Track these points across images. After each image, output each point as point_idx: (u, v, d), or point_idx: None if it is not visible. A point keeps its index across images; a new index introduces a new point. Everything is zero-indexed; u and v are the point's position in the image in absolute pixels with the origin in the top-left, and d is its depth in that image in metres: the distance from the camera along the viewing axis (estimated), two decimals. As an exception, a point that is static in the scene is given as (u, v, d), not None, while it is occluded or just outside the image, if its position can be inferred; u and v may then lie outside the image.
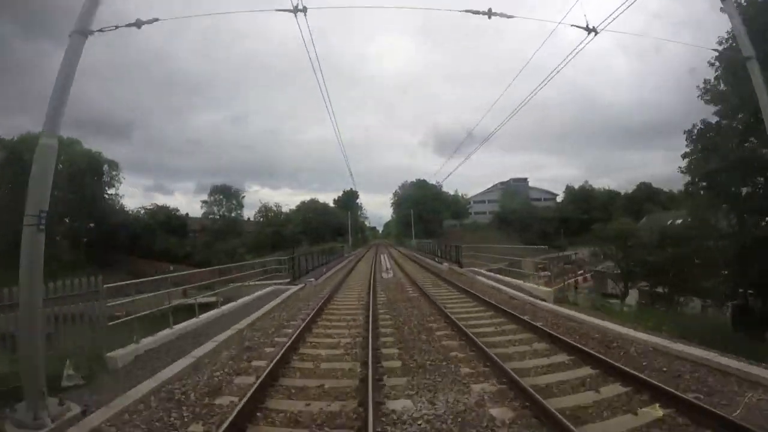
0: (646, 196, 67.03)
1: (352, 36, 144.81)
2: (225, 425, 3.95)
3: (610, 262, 31.68)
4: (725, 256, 19.22)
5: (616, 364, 5.65)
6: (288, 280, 17.06)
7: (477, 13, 6.66)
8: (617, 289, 28.08)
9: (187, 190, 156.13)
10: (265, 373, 5.36)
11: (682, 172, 20.27)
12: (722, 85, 18.24)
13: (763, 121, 6.40)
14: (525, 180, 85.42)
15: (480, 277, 16.90)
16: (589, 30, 7.03)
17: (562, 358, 6.26)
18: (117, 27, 5.22)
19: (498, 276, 16.46)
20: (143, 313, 8.26)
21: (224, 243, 55.89)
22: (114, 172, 56.19)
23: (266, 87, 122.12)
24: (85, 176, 50.95)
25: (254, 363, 6.10)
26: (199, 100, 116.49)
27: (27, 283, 4.61)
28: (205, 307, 10.89)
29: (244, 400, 4.55)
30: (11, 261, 5.21)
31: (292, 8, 6.30)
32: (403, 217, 76.92)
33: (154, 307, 8.67)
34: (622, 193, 72.03)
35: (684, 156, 20.04)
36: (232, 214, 64.85)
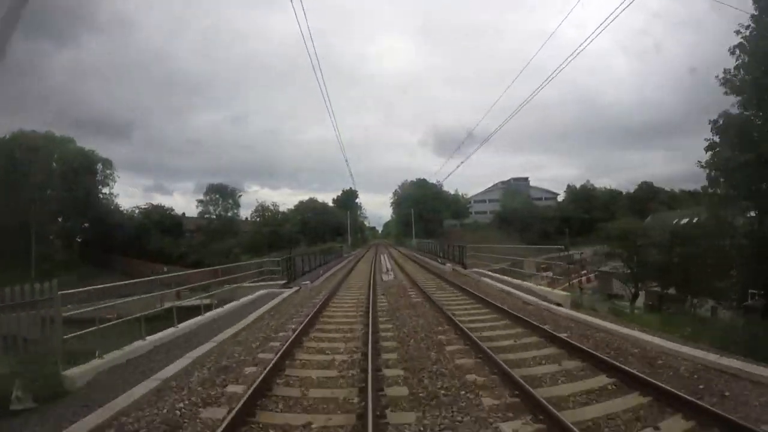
0: (648, 196, 66.30)
1: (352, 36, 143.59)
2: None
3: (614, 261, 30.76)
4: (743, 255, 18.25)
5: (672, 389, 4.59)
6: (283, 282, 16.01)
7: None
8: (626, 290, 27.10)
9: (186, 190, 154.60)
10: (239, 405, 4.29)
11: (701, 166, 19.15)
12: (742, 74, 17.14)
13: None
14: (526, 179, 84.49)
15: (486, 279, 15.85)
16: None
17: (601, 380, 5.19)
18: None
19: (506, 278, 15.41)
20: (111, 323, 7.24)
21: (220, 243, 54.70)
22: (108, 171, 55.09)
23: (266, 87, 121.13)
24: (78, 175, 49.75)
25: (229, 388, 5.01)
26: (199, 100, 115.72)
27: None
28: (194, 311, 9.91)
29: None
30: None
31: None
32: (403, 217, 75.91)
33: (137, 312, 7.71)
34: (624, 193, 71.38)
35: (707, 148, 18.90)
36: (229, 214, 63.53)
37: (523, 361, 5.95)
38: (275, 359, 5.81)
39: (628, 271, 26.30)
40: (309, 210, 71.03)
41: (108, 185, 55.49)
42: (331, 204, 79.12)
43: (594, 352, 5.99)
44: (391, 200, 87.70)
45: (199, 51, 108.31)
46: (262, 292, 13.49)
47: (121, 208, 57.84)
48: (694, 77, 74.05)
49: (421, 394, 4.63)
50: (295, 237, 62.11)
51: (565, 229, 61.17)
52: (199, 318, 9.58)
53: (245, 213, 67.00)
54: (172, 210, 61.48)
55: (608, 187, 73.82)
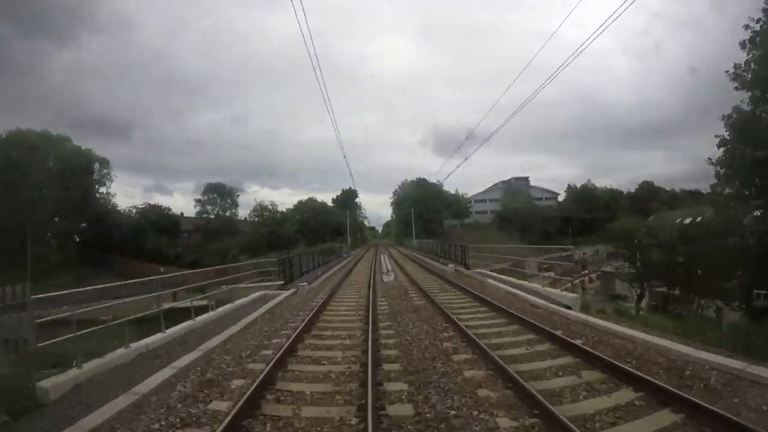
0: (649, 195, 65.95)
1: (352, 36, 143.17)
2: None
3: (616, 261, 30.22)
4: (749, 254, 17.76)
5: (708, 406, 4.09)
6: (280, 284, 15.46)
7: None
8: (630, 290, 26.56)
9: (186, 191, 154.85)
10: (221, 427, 3.77)
11: (711, 164, 18.56)
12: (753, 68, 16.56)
13: None
14: (526, 179, 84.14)
15: (490, 280, 15.32)
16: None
17: (628, 394, 4.67)
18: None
19: (511, 279, 14.88)
20: (96, 328, 6.71)
21: (218, 243, 54.16)
22: (105, 170, 54.52)
23: (266, 87, 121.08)
24: (75, 174, 49.17)
25: (212, 406, 4.48)
26: (199, 100, 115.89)
27: None
28: (189, 313, 9.39)
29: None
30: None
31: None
32: (403, 217, 75.37)
33: (132, 314, 7.39)
34: (625, 193, 71.00)
35: (719, 144, 18.29)
36: (227, 214, 62.99)
37: (539, 372, 5.41)
38: (266, 371, 5.28)
39: (633, 271, 25.73)
40: (308, 210, 70.49)
41: (105, 184, 55.05)
42: (330, 204, 78.64)
43: (615, 362, 5.47)
44: (391, 200, 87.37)
45: (199, 51, 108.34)
46: (257, 294, 12.95)
47: (119, 208, 57.42)
48: (694, 77, 73.99)
49: (428, 414, 4.08)
50: (294, 237, 61.58)
51: (565, 228, 60.81)
52: (189, 323, 9.02)
53: (244, 213, 66.55)
54: (170, 210, 60.99)
55: (609, 187, 73.63)
